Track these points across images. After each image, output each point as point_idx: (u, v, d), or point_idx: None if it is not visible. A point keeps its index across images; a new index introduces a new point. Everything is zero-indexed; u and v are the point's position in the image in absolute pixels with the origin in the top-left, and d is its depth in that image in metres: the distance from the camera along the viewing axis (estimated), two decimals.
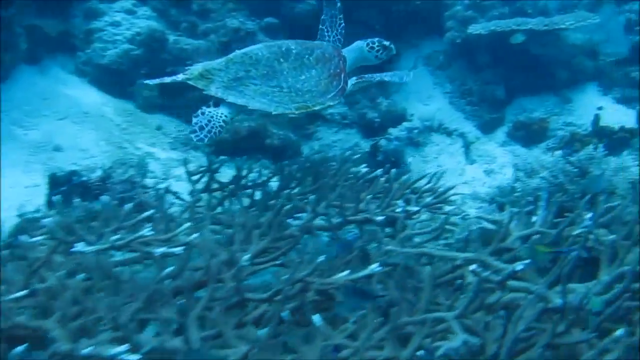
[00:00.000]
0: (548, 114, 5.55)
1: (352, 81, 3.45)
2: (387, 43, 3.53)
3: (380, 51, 3.51)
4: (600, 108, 5.59)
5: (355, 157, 3.77)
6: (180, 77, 3.10)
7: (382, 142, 5.00)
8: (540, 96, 5.71)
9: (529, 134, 5.30)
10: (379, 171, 3.39)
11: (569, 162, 3.41)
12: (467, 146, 5.23)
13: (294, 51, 3.28)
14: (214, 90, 3.05)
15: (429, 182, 3.40)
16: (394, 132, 4.97)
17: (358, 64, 3.59)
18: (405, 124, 5.00)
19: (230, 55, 3.20)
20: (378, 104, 5.33)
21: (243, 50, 3.24)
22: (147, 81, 3.25)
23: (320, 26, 3.56)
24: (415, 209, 2.98)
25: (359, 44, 3.55)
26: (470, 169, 5.11)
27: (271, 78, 3.17)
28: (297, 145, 5.12)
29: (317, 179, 3.29)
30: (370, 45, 3.51)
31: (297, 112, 3.19)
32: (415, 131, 5.01)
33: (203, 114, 3.05)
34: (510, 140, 5.43)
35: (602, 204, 2.70)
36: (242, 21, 5.20)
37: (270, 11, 5.44)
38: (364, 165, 3.52)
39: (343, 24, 3.56)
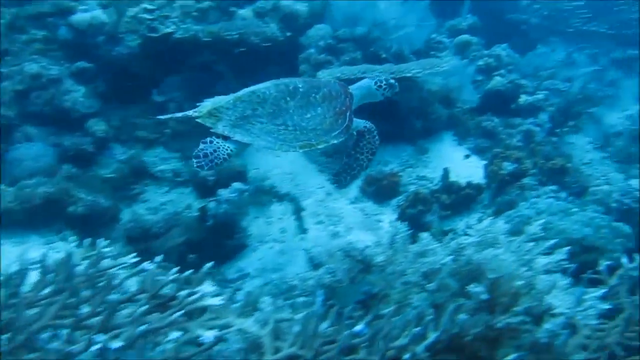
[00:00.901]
0: (403, 166, 5.23)
1: (359, 123, 3.50)
2: (393, 81, 3.66)
3: (387, 89, 3.64)
4: (467, 156, 5.40)
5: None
6: (190, 113, 3.20)
7: (211, 205, 4.39)
8: (397, 146, 5.40)
9: (379, 190, 4.91)
10: None
11: (356, 252, 2.90)
12: (298, 211, 4.73)
13: (300, 90, 3.32)
14: (221, 129, 3.12)
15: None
16: (224, 193, 4.37)
17: (365, 101, 3.67)
18: (237, 185, 4.42)
19: (239, 94, 3.25)
20: None
21: (251, 88, 3.30)
22: (159, 117, 3.40)
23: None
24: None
25: (367, 81, 3.66)
26: (315, 231, 4.63)
27: (277, 116, 3.22)
28: (112, 211, 4.37)
29: None
30: (378, 83, 3.61)
31: (301, 150, 3.25)
32: (246, 193, 4.44)
33: (211, 142, 3.10)
34: (363, 196, 5.02)
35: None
36: (45, 66, 4.42)
37: (86, 54, 4.73)
38: None
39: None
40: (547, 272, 2.77)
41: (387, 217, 4.75)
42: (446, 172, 4.90)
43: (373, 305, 2.49)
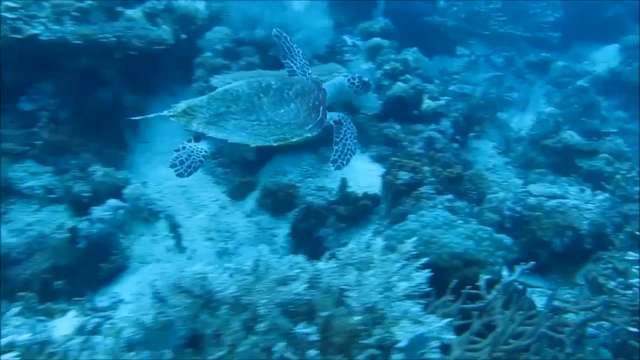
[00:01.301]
0: (303, 176, 5.03)
1: (332, 116, 3.53)
2: (366, 79, 3.71)
3: (360, 87, 3.69)
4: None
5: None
6: (165, 113, 3.23)
7: (84, 224, 4.01)
8: (298, 155, 5.18)
9: (276, 202, 4.69)
10: None
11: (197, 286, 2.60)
12: (186, 227, 4.43)
13: (273, 86, 3.36)
14: (195, 126, 3.15)
15: None
16: (97, 211, 4.00)
17: (338, 98, 3.75)
18: (112, 202, 4.06)
19: (213, 92, 3.29)
20: (90, 174, 4.32)
21: (225, 87, 3.33)
22: (133, 118, 3.45)
23: (282, 60, 3.69)
24: None
25: (339, 79, 3.71)
26: (203, 248, 4.34)
27: (251, 112, 3.26)
28: None
29: None
30: (351, 80, 3.66)
31: (275, 144, 3.26)
32: (122, 210, 4.09)
33: (184, 148, 3.15)
34: (260, 209, 4.78)
35: None
36: None
37: None
38: None
39: (300, 50, 3.71)
40: (407, 297, 2.65)
41: (283, 231, 4.54)
42: (344, 182, 4.75)
43: (204, 348, 2.26)
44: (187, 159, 3.10)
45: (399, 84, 5.46)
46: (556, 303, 3.40)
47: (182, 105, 3.23)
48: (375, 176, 5.01)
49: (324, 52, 5.44)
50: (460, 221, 3.80)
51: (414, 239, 3.09)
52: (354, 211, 4.56)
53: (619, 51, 10.26)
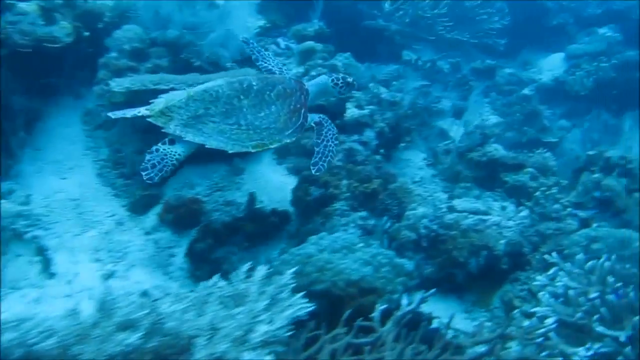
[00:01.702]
0: (212, 189, 4.68)
1: (313, 118, 3.48)
2: (350, 80, 3.66)
3: (344, 87, 3.64)
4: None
5: None
6: (142, 111, 3.08)
7: None
8: (209, 166, 4.83)
9: (178, 219, 4.32)
10: None
11: None
12: (73, 246, 4.02)
13: (255, 87, 3.27)
14: (172, 128, 3.02)
15: None
16: None
17: (320, 98, 3.73)
18: None
19: (191, 92, 3.16)
20: None
21: (204, 87, 3.20)
22: (109, 113, 3.12)
23: (257, 63, 3.69)
24: None
25: (323, 78, 3.67)
26: (88, 271, 3.93)
27: (230, 115, 3.16)
28: None
29: None
30: (335, 81, 3.62)
31: (253, 150, 3.18)
32: None
33: (157, 150, 3.03)
34: (161, 225, 4.41)
35: None
36: None
37: None
38: None
39: (270, 53, 3.86)
40: (263, 344, 2.35)
41: (183, 251, 4.19)
42: (252, 197, 4.43)
43: None
44: (159, 163, 2.99)
45: None
46: (451, 333, 3.19)
47: (160, 103, 3.10)
48: (290, 190, 4.71)
49: (239, 56, 5.09)
50: (361, 244, 3.54)
51: (292, 270, 2.82)
52: (262, 229, 4.25)
53: (564, 60, 10.32)
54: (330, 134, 3.49)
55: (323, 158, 3.42)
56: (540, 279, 3.60)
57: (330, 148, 3.46)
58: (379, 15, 8.86)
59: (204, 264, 3.90)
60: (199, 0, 5.17)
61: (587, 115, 9.67)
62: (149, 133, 3.32)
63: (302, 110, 3.36)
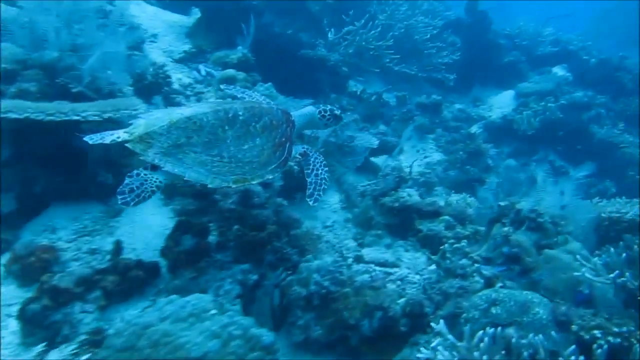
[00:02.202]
0: (78, 234, 4.07)
1: (297, 150, 3.42)
2: (338, 112, 3.65)
3: (331, 120, 3.63)
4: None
5: None
6: (121, 136, 2.95)
7: None
8: (81, 206, 4.25)
9: (26, 270, 3.70)
10: None
11: None
12: None
13: (240, 118, 3.19)
14: (151, 156, 2.93)
15: None
16: None
17: (306, 129, 3.81)
18: None
19: (174, 118, 3.04)
20: None
21: (188, 113, 3.07)
22: (86, 138, 2.94)
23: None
24: None
25: (310, 109, 3.65)
26: None
27: (213, 146, 3.06)
28: None
29: None
30: (322, 113, 3.62)
31: (234, 185, 3.08)
32: None
33: (138, 175, 2.95)
34: (8, 276, 3.77)
35: None
36: None
37: None
38: None
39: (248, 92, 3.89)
40: None
41: None
42: (118, 245, 3.84)
43: None
44: (137, 188, 2.88)
45: None
46: None
47: (140, 128, 2.96)
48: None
49: (136, 81, 4.56)
50: (214, 311, 2.98)
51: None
52: (125, 284, 3.66)
53: (514, 98, 10.13)
54: (318, 163, 3.45)
55: (317, 188, 3.37)
56: (424, 351, 3.09)
57: (323, 176, 3.42)
58: (320, 44, 8.55)
59: (38, 329, 3.28)
60: (87, 17, 4.68)
61: (534, 155, 9.46)
62: None
63: (287, 144, 3.28)
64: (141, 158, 2.91)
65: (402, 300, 3.84)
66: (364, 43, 8.65)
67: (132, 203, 2.87)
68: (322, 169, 3.45)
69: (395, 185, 4.73)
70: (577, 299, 3.52)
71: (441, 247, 4.06)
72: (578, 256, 3.66)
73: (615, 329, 3.01)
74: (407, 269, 4.32)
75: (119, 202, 2.85)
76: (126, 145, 2.91)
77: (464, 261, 3.97)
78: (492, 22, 10.59)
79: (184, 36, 7.12)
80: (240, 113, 3.17)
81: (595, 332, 3.03)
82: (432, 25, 9.84)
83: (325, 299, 3.81)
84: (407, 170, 6.20)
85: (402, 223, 4.65)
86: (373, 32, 8.64)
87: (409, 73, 9.41)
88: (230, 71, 6.12)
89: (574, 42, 12.90)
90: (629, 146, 8.75)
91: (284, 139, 3.28)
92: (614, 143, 8.86)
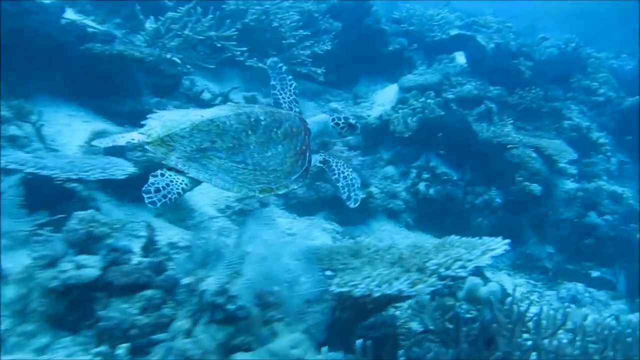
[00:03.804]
0: None
1: (316, 158, 3.34)
2: (353, 121, 3.58)
3: (345, 128, 3.56)
4: None
5: None
6: (137, 138, 2.84)
7: None
8: None
9: None
10: None
11: None
12: None
13: (262, 123, 3.10)
14: (174, 161, 2.84)
15: None
16: None
17: (320, 138, 3.71)
18: None
19: (196, 121, 2.93)
20: None
21: (210, 116, 2.98)
22: (95, 142, 2.94)
23: (272, 91, 3.50)
24: None
25: (324, 117, 3.58)
26: None
27: (237, 152, 2.97)
28: None
29: None
30: (336, 121, 3.54)
31: (260, 195, 2.98)
32: None
33: (162, 175, 2.84)
34: None
35: None
36: None
37: None
38: None
39: (295, 84, 3.53)
40: None
41: None
42: None
43: None
44: (163, 188, 2.73)
45: None
46: None
47: (156, 128, 2.84)
48: None
49: None
50: None
51: None
52: None
53: (398, 93, 8.66)
54: (341, 165, 3.38)
55: (352, 189, 3.33)
56: None
57: (351, 176, 3.36)
58: (138, 38, 6.86)
59: None
60: None
61: (415, 161, 8.02)
62: None
63: (307, 153, 3.19)
64: (163, 162, 2.77)
65: None
66: (193, 34, 6.98)
67: (159, 203, 2.71)
68: (347, 170, 3.37)
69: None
70: None
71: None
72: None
73: None
74: None
75: (147, 202, 2.67)
76: (146, 147, 2.79)
77: None
78: (374, 5, 9.04)
79: None
80: (262, 118, 3.07)
81: None
82: (299, 9, 8.27)
83: None
84: None
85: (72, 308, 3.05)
86: (209, 18, 6.99)
87: (260, 68, 7.80)
88: None
89: (491, 24, 11.54)
90: (519, 146, 7.38)
91: (304, 147, 3.16)
92: (501, 144, 7.49)
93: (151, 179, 2.74)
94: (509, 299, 3.16)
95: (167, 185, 2.75)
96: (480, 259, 2.68)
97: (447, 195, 7.37)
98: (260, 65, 7.75)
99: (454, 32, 9.95)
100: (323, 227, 6.32)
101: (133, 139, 2.78)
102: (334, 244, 5.25)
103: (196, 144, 2.85)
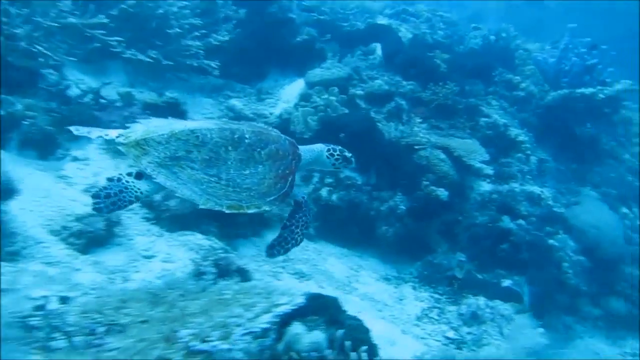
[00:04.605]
0: None
1: (299, 193, 3.39)
2: (348, 155, 3.57)
3: (340, 160, 3.56)
4: None
5: None
6: (110, 134, 2.91)
7: None
8: None
9: None
10: None
11: None
12: None
13: (246, 141, 3.10)
14: (144, 165, 2.84)
15: None
16: None
17: (312, 166, 3.74)
18: None
19: (177, 129, 2.96)
20: None
21: (192, 126, 3.02)
22: (72, 128, 2.98)
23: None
24: None
25: (319, 146, 3.58)
26: None
27: (212, 166, 2.97)
28: None
29: None
30: (331, 152, 3.53)
31: (227, 211, 2.95)
32: None
33: (118, 180, 2.85)
34: None
35: None
36: None
37: None
38: None
39: None
40: None
41: None
42: None
43: None
44: (115, 195, 2.74)
45: None
46: None
47: (137, 133, 2.89)
48: None
49: None
50: None
51: None
52: None
53: (303, 88, 7.88)
54: (302, 221, 3.32)
55: (283, 244, 3.26)
56: None
57: (296, 237, 3.29)
58: None
59: None
60: None
61: None
62: None
63: (290, 178, 3.16)
64: (133, 165, 2.74)
65: None
66: (48, 21, 5.96)
67: (105, 210, 2.69)
68: (300, 229, 3.30)
69: None
70: None
71: None
72: None
73: None
74: None
75: (92, 207, 2.67)
76: (119, 147, 2.77)
77: None
78: None
79: None
80: (247, 136, 3.06)
81: None
82: None
83: None
84: None
85: None
86: (65, 3, 5.98)
87: (145, 61, 6.85)
88: None
89: (422, 12, 10.89)
90: (426, 147, 6.76)
91: (287, 172, 3.15)
92: (409, 145, 6.85)
93: (105, 183, 2.73)
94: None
95: (120, 191, 2.73)
96: (257, 320, 1.95)
97: (350, 202, 6.68)
98: (140, 57, 6.80)
99: (371, 21, 9.25)
100: (197, 243, 5.47)
101: (107, 135, 2.79)
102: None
103: (171, 152, 2.84)
